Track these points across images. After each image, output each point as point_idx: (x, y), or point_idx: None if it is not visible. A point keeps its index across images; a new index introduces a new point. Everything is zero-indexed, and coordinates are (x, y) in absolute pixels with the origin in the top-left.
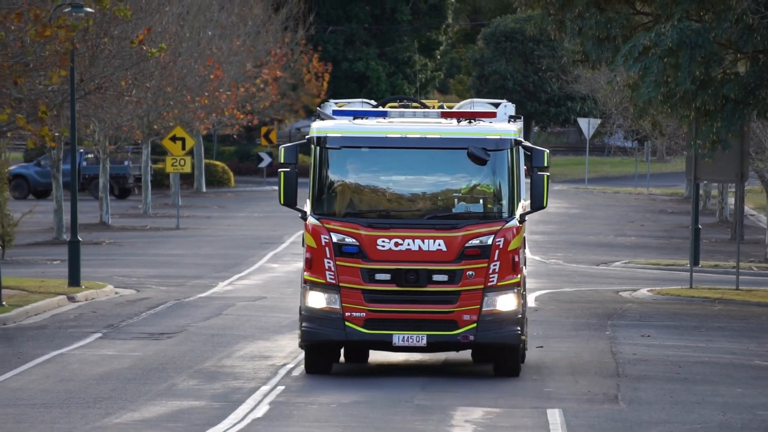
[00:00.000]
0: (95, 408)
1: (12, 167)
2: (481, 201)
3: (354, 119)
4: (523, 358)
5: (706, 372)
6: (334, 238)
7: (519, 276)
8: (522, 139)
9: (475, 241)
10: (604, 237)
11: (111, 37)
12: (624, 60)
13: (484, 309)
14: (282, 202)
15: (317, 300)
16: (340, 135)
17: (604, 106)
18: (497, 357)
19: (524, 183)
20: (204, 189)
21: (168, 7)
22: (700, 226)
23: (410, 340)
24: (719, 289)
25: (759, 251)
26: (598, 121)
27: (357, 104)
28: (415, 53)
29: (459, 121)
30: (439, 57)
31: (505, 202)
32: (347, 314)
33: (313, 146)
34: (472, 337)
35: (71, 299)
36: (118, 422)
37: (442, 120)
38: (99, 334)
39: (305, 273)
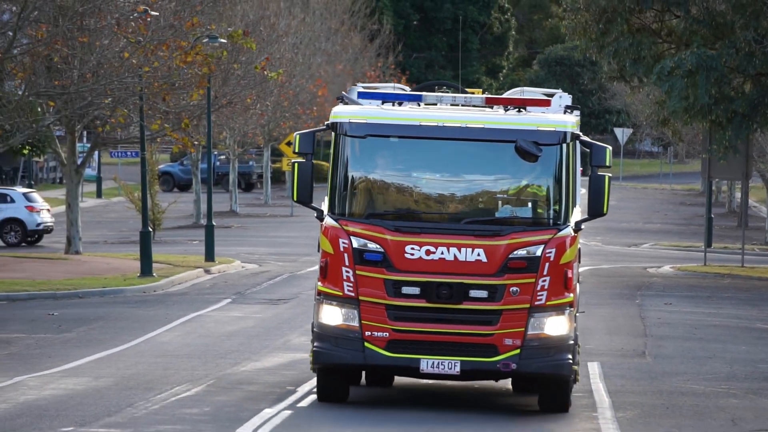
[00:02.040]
0: (226, 358)
1: (160, 166)
2: (529, 204)
3: (383, 104)
4: (572, 388)
5: (717, 333)
6: (355, 242)
7: (572, 295)
8: (580, 133)
9: (522, 252)
10: (634, 224)
11: (239, 63)
12: (656, 79)
13: (529, 332)
14: (295, 198)
15: (332, 315)
16: (364, 121)
17: (635, 119)
18: (543, 389)
19: (579, 185)
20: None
21: (285, 38)
22: (712, 216)
23: (441, 367)
24: (728, 266)
25: (760, 236)
26: (630, 130)
27: (389, 89)
28: (483, 75)
29: (506, 110)
30: (501, 78)
31: (558, 206)
32: (367, 333)
33: (333, 134)
34: (514, 366)
35: (207, 272)
36: (244, 370)
37: (487, 108)
38: (229, 300)
39: (319, 283)
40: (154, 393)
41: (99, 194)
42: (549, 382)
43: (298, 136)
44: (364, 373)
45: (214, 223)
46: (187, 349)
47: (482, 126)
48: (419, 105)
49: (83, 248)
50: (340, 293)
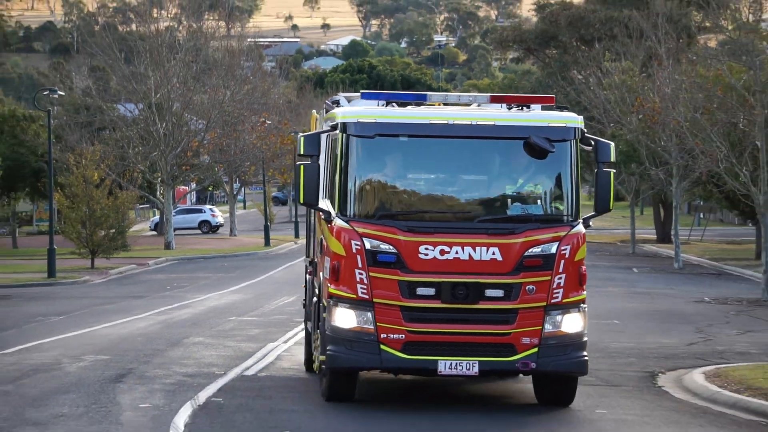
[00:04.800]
0: None
1: (273, 193)
2: (542, 201)
3: (387, 104)
4: None
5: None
6: (367, 244)
7: (585, 291)
8: (585, 130)
9: (536, 249)
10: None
11: None
12: None
13: (546, 331)
14: (302, 200)
15: (346, 318)
16: (373, 121)
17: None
18: (549, 383)
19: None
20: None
21: None
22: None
23: (459, 368)
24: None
25: None
26: None
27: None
28: None
29: (510, 108)
30: None
31: (570, 202)
32: (383, 336)
33: (340, 135)
34: (533, 365)
35: (296, 243)
36: None
37: (493, 106)
38: None
39: (330, 286)
40: (271, 301)
41: (244, 207)
42: (562, 379)
43: (302, 138)
44: None
45: (299, 220)
46: (287, 280)
47: (493, 123)
48: (424, 104)
49: (238, 233)
50: (354, 296)
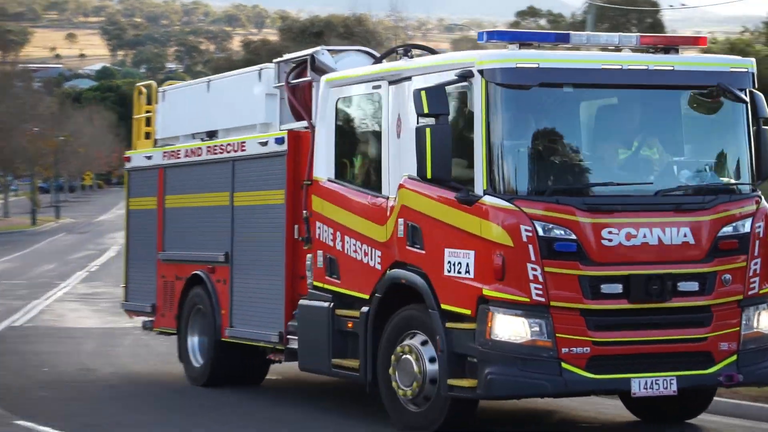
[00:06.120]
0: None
1: (39, 184)
2: (726, 167)
3: (520, 47)
4: None
5: None
6: (539, 229)
7: None
8: None
9: (729, 229)
10: None
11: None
12: None
13: (744, 332)
14: (430, 175)
15: (515, 329)
16: (535, 66)
17: None
18: (692, 397)
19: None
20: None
21: None
22: None
23: (656, 387)
24: None
25: None
26: None
27: (353, 54)
28: None
29: (653, 52)
30: None
31: (749, 168)
32: (563, 350)
33: (482, 85)
34: (740, 377)
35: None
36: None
37: (647, 50)
38: (65, 233)
39: (485, 287)
40: (36, 268)
41: (16, 195)
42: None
43: (425, 93)
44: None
45: (60, 205)
46: (49, 251)
47: (671, 68)
48: (567, 45)
49: (11, 215)
50: (527, 299)
